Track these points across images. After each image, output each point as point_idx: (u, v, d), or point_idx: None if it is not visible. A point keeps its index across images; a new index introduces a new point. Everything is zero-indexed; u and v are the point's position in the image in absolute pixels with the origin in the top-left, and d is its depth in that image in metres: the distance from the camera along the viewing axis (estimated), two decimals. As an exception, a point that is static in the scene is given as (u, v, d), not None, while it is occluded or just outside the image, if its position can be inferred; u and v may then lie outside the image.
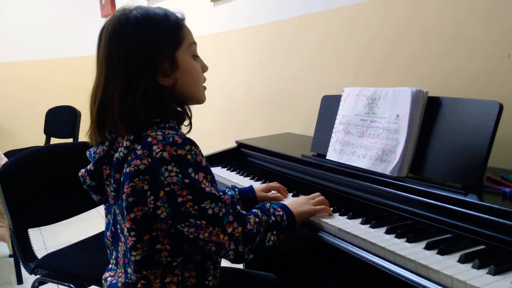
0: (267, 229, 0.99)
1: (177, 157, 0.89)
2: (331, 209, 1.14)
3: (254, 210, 1.04)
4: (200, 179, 0.91)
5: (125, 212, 0.94)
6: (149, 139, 0.90)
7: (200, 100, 1.06)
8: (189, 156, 0.91)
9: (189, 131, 1.03)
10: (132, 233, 0.95)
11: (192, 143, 0.93)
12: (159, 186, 0.90)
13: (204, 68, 1.06)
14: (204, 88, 1.07)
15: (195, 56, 1.03)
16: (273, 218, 1.02)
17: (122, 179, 0.94)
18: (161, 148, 0.89)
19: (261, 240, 0.98)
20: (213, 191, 0.93)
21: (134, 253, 0.97)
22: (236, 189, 1.27)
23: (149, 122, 0.94)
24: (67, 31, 4.90)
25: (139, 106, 0.92)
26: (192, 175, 0.90)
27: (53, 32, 4.84)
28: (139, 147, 0.91)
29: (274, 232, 1.00)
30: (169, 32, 0.97)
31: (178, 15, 1.00)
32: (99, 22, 5.06)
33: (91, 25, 5.00)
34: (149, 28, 0.95)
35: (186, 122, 1.04)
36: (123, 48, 0.93)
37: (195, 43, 1.03)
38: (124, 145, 0.93)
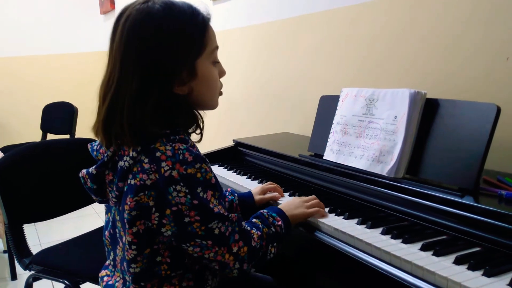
0: (268, 242, 0.99)
1: (187, 176, 0.85)
2: (327, 209, 1.15)
3: (254, 220, 1.03)
4: (208, 197, 0.88)
5: (127, 226, 0.90)
6: (158, 154, 0.85)
7: (213, 106, 1.00)
8: (198, 175, 0.86)
9: (199, 141, 0.98)
10: (133, 247, 0.92)
11: (202, 160, 0.88)
12: (166, 204, 0.86)
13: (222, 73, 1.00)
14: (220, 93, 1.01)
15: (215, 62, 0.97)
16: (273, 229, 1.01)
17: (125, 189, 0.89)
18: (170, 166, 0.84)
19: (263, 254, 0.97)
20: (221, 211, 0.90)
21: (134, 266, 0.94)
22: (236, 194, 1.27)
23: (158, 133, 0.88)
24: (65, 27, 4.89)
25: (150, 116, 0.86)
26: (201, 194, 0.87)
27: (51, 28, 4.83)
28: (146, 160, 0.86)
29: (275, 244, 1.00)
30: (193, 37, 0.89)
31: (205, 13, 0.92)
32: (98, 18, 5.05)
33: (89, 22, 5.00)
34: (173, 32, 0.87)
35: (197, 131, 0.98)
36: (142, 51, 0.86)
37: (217, 47, 0.96)
38: (131, 155, 0.88)
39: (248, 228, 0.98)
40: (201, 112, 0.99)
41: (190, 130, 0.97)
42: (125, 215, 0.89)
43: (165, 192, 0.85)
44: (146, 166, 0.86)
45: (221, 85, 1.01)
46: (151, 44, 0.86)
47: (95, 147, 1.00)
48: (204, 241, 0.88)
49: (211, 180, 0.89)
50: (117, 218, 0.97)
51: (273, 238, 1.00)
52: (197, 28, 0.90)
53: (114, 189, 0.91)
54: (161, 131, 0.88)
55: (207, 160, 0.90)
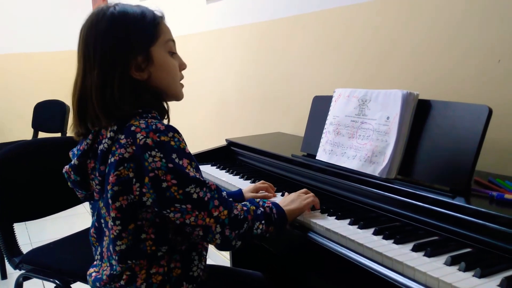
0: (255, 218, 1.01)
1: (161, 143, 0.91)
2: (319, 210, 1.15)
3: (243, 203, 1.06)
4: (184, 164, 0.93)
5: (110, 202, 0.94)
6: (133, 128, 0.92)
7: (177, 96, 1.09)
8: (172, 143, 0.93)
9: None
10: (117, 222, 0.96)
11: (175, 130, 0.95)
12: (144, 172, 0.91)
13: (182, 66, 1.09)
14: (181, 85, 1.10)
15: (172, 53, 1.06)
16: (262, 209, 1.03)
17: (107, 170, 0.95)
18: (145, 135, 0.91)
19: (249, 228, 0.99)
20: (197, 176, 0.94)
21: (119, 243, 0.97)
22: (225, 193, 1.27)
23: (132, 112, 0.96)
24: (57, 24, 4.85)
25: (118, 98, 0.95)
26: (176, 160, 0.92)
27: (43, 25, 4.79)
28: (122, 136, 0.93)
29: (263, 222, 1.01)
30: (144, 28, 1.00)
31: (157, 12, 1.04)
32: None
33: (82, 19, 4.96)
34: (124, 23, 0.98)
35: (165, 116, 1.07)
36: (98, 42, 0.96)
37: (172, 41, 1.06)
38: (108, 136, 0.95)
39: (231, 199, 1.01)
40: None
41: (163, 115, 1.06)
42: (109, 193, 0.94)
43: (142, 159, 0.91)
44: (123, 141, 0.93)
45: (182, 77, 1.10)
46: (105, 33, 0.97)
47: (75, 151, 1.05)
48: (184, 205, 0.92)
49: (185, 149, 0.95)
50: (102, 206, 1.01)
51: (261, 217, 1.02)
52: (149, 20, 1.01)
53: (97, 175, 0.98)
54: (134, 111, 0.97)
55: (179, 131, 0.96)
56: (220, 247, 0.98)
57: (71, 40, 4.48)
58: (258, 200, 1.08)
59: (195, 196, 0.93)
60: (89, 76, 0.97)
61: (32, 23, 4.74)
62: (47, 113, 3.73)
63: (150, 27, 1.01)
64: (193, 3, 2.84)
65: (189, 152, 0.96)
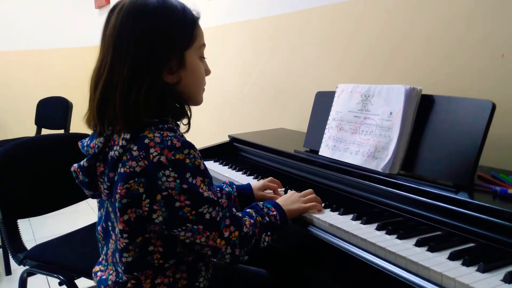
0: (261, 230, 0.99)
1: (175, 162, 0.87)
2: (323, 205, 1.15)
3: (248, 210, 1.04)
4: (198, 183, 0.89)
5: (118, 214, 0.91)
6: (146, 141, 0.87)
7: (198, 102, 1.04)
8: (187, 160, 0.88)
9: (187, 131, 1.01)
10: (125, 235, 0.93)
11: (190, 146, 0.90)
12: (156, 190, 0.87)
13: (207, 72, 1.04)
14: (203, 90, 1.05)
15: (202, 58, 1.01)
16: (267, 219, 1.02)
17: (116, 179, 0.91)
18: (159, 151, 0.86)
19: (256, 242, 0.98)
20: (210, 196, 0.91)
21: (126, 255, 0.95)
22: (234, 186, 1.26)
23: (147, 122, 0.90)
24: (60, 21, 4.85)
25: (143, 102, 0.89)
26: (190, 180, 0.88)
27: (46, 22, 4.80)
28: (135, 147, 0.88)
29: (269, 233, 1.00)
30: (184, 28, 0.94)
31: (195, 12, 0.98)
32: (93, 13, 5.02)
33: (84, 16, 4.96)
34: (166, 19, 0.91)
35: (185, 121, 1.01)
36: (136, 33, 0.89)
37: (204, 45, 1.01)
38: (120, 144, 0.90)
39: (240, 215, 0.99)
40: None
41: (178, 118, 1.00)
42: (117, 204, 0.91)
43: (155, 177, 0.86)
44: (135, 153, 0.87)
45: (205, 83, 1.05)
46: (144, 32, 0.90)
47: (85, 143, 1.01)
48: (195, 226, 0.89)
49: (199, 166, 0.91)
50: (110, 210, 0.98)
51: (267, 227, 1.01)
52: (187, 23, 0.95)
53: (106, 180, 0.93)
54: (150, 120, 0.91)
55: (195, 147, 0.92)
56: (228, 265, 0.97)
57: (74, 38, 4.46)
58: (261, 205, 1.06)
59: (207, 216, 0.90)
60: (118, 71, 0.89)
61: (35, 20, 4.74)
62: (50, 110, 3.73)
63: (189, 28, 0.95)
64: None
65: (204, 168, 0.92)
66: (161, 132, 0.89)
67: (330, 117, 1.36)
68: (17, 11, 4.66)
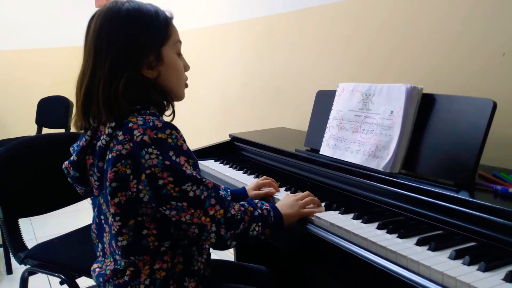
0: (252, 219, 1.00)
1: (157, 140, 0.91)
2: (323, 204, 1.14)
3: (241, 202, 1.04)
4: (181, 162, 0.93)
5: (109, 198, 0.95)
6: (130, 125, 0.93)
7: (179, 96, 1.09)
8: (169, 140, 0.93)
9: (172, 120, 1.05)
10: (117, 218, 0.96)
11: (172, 127, 0.94)
12: (140, 169, 0.91)
13: (186, 67, 1.10)
14: (186, 86, 1.11)
15: (179, 54, 1.08)
16: (259, 211, 1.03)
17: (105, 167, 0.95)
18: (142, 132, 0.91)
19: (245, 229, 0.98)
20: (194, 174, 0.94)
21: (120, 238, 0.98)
22: (229, 190, 1.28)
23: (130, 109, 0.96)
24: (60, 20, 4.84)
25: (122, 93, 0.95)
26: (173, 158, 0.92)
27: (47, 21, 4.79)
28: (120, 133, 0.93)
29: (259, 224, 1.01)
30: (157, 27, 1.01)
31: (167, 13, 1.05)
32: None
33: (84, 15, 4.94)
34: (140, 21, 0.99)
35: (168, 113, 1.07)
36: (113, 37, 0.97)
37: (180, 42, 1.07)
38: (106, 132, 0.96)
39: (229, 198, 1.00)
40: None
41: (160, 109, 1.05)
42: (108, 189, 0.95)
43: (138, 156, 0.91)
44: (121, 137, 0.93)
45: (186, 78, 1.11)
46: (121, 28, 0.97)
47: (75, 146, 1.06)
48: (180, 203, 0.92)
49: (182, 146, 0.94)
50: (102, 202, 1.01)
51: (258, 219, 1.01)
52: (162, 20, 1.02)
53: (95, 171, 0.98)
54: (132, 107, 0.97)
55: (178, 128, 0.96)
56: (214, 246, 0.97)
57: (75, 37, 4.47)
58: (256, 201, 1.07)
59: (191, 194, 0.92)
60: (99, 69, 0.97)
61: (36, 20, 4.74)
62: (50, 109, 3.74)
63: (163, 26, 1.02)
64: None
65: (188, 149, 0.96)
66: (144, 116, 0.95)
67: (330, 116, 1.36)
68: (18, 11, 4.65)
